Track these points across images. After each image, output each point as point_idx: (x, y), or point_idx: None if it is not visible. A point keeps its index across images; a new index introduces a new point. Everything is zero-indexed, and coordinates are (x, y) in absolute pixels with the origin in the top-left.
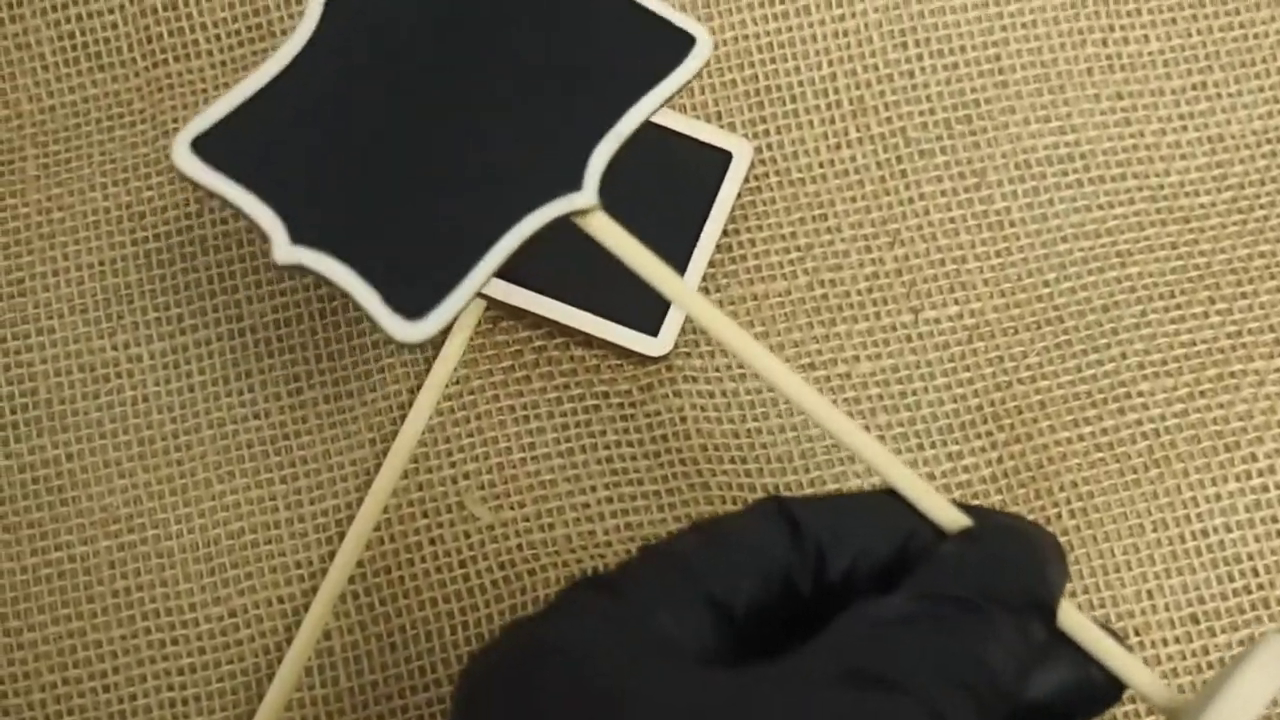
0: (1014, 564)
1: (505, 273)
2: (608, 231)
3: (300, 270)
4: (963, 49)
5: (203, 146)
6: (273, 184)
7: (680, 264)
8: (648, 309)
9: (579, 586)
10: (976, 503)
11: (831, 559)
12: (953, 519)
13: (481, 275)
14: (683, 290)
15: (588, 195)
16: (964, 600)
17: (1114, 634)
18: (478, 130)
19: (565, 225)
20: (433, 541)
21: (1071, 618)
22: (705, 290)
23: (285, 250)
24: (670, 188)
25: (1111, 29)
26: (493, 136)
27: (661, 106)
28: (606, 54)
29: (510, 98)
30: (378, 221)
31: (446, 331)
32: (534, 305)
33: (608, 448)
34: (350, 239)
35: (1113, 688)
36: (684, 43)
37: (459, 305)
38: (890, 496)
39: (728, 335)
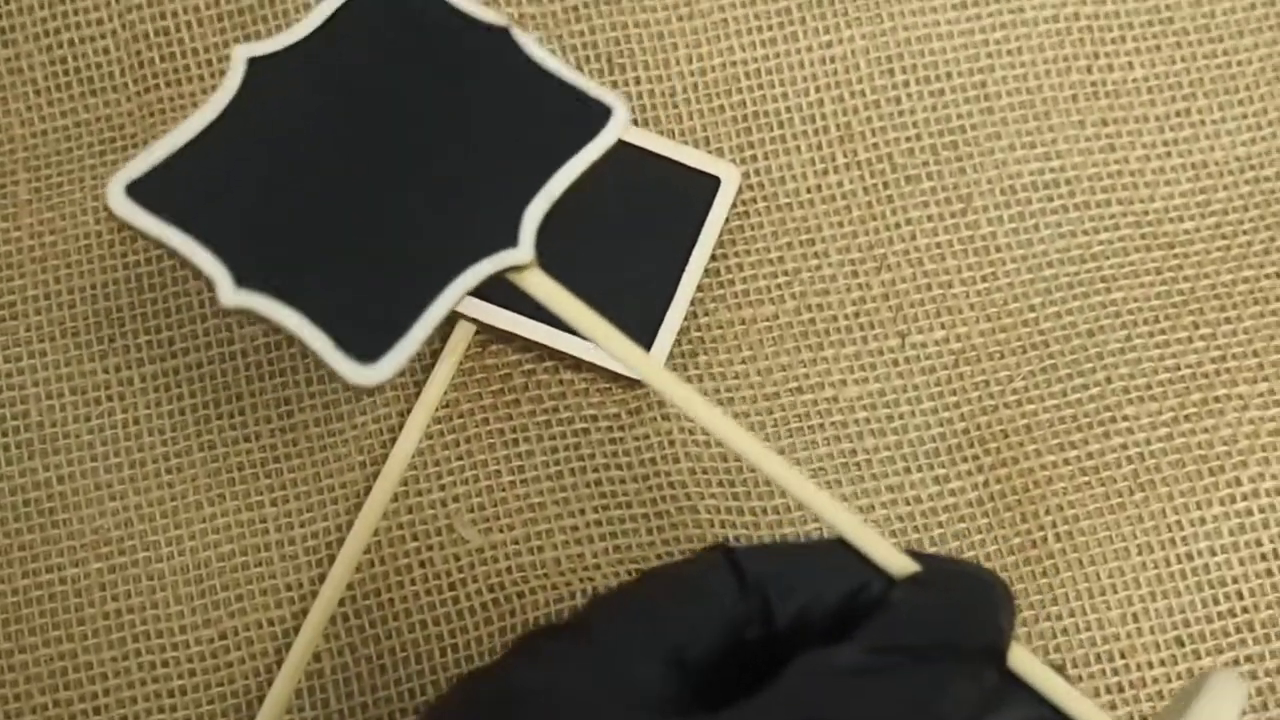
0: (967, 611)
1: (494, 297)
2: (545, 289)
3: (248, 314)
4: (949, 76)
5: (139, 191)
6: (213, 228)
7: (669, 288)
8: (637, 332)
9: (540, 634)
10: (929, 552)
11: (778, 608)
12: (903, 566)
13: (430, 322)
14: (622, 344)
15: (524, 252)
16: (918, 650)
17: (1064, 675)
18: (416, 187)
19: (550, 250)
20: (422, 564)
21: (1022, 660)
22: (694, 314)
23: (230, 294)
24: (659, 212)
25: (1096, 56)
26: (430, 193)
27: (587, 168)
28: (534, 120)
29: (444, 159)
30: (323, 268)
31: (436, 355)
32: (523, 329)
33: (596, 471)
34: (297, 283)
35: None
36: (604, 113)
37: (412, 349)
38: (839, 545)
39: (671, 389)
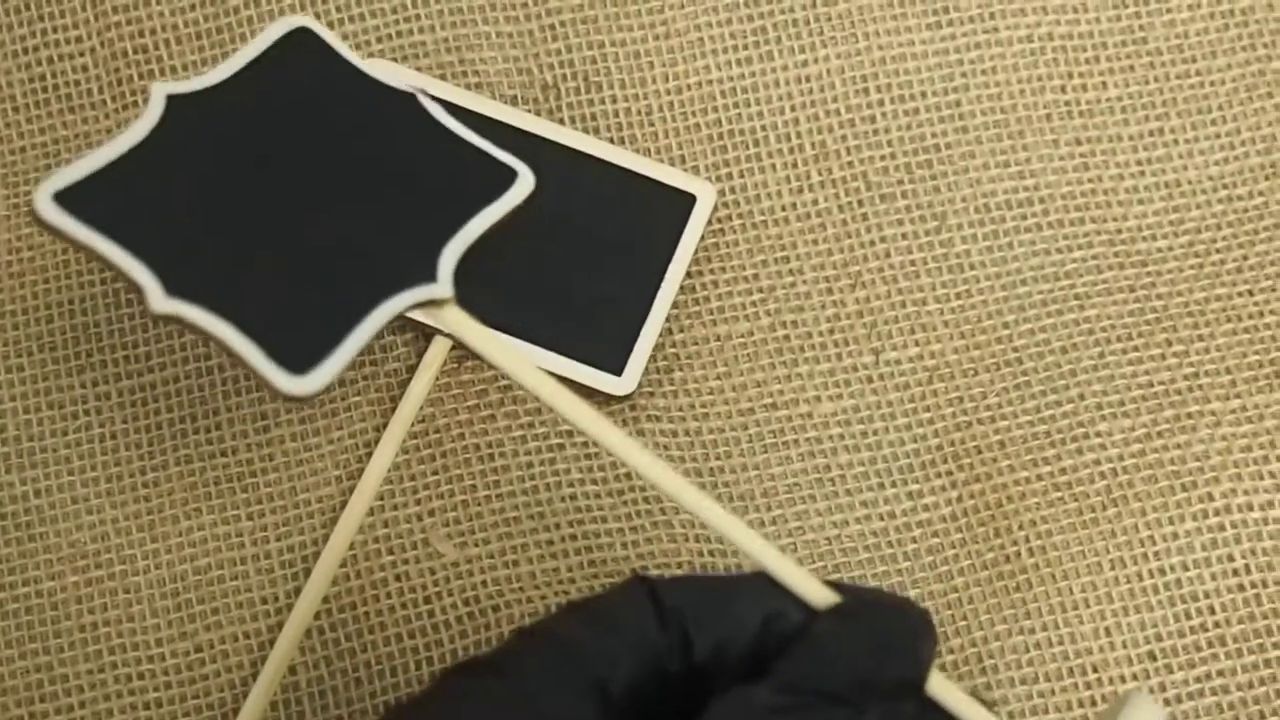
0: (883, 647)
1: (470, 312)
2: (462, 325)
3: (178, 322)
4: (923, 95)
5: (67, 199)
6: (143, 238)
7: (644, 306)
8: (612, 349)
9: (459, 671)
10: (851, 583)
11: (697, 639)
12: (823, 598)
13: (360, 340)
14: (534, 375)
15: (443, 287)
16: (833, 694)
17: (983, 701)
18: (341, 218)
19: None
20: (398, 578)
21: (941, 687)
22: (669, 330)
23: (160, 300)
24: (635, 230)
25: (1070, 76)
26: (355, 225)
27: (501, 219)
28: (446, 172)
29: (366, 197)
30: (253, 281)
31: (412, 370)
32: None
33: (572, 485)
34: (227, 294)
35: None
36: (510, 174)
37: (343, 362)
38: (759, 577)
39: (586, 421)
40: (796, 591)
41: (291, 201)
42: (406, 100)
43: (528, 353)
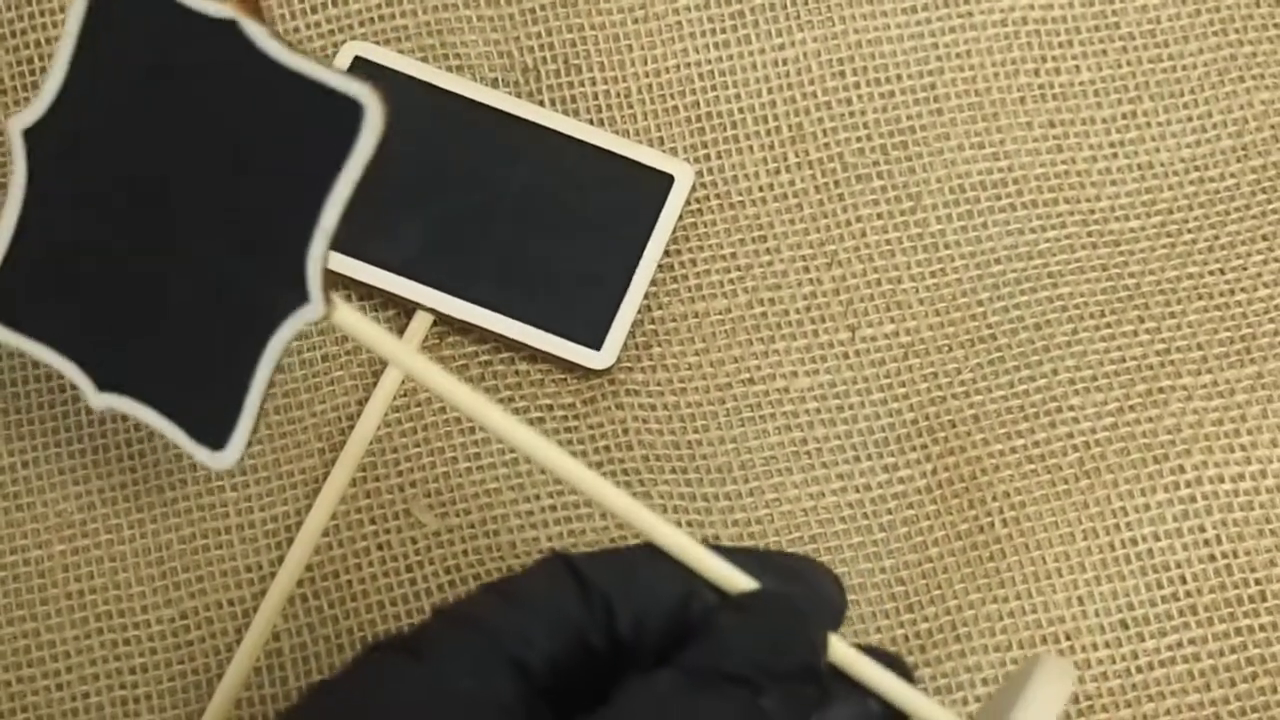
0: (782, 639)
1: (451, 288)
2: (357, 326)
3: (116, 414)
4: (899, 78)
5: None
6: (63, 331)
7: (623, 283)
8: (591, 323)
9: (379, 649)
10: (765, 548)
11: (619, 614)
12: (728, 577)
13: (258, 395)
14: (417, 363)
15: (316, 308)
16: (733, 675)
17: (898, 663)
18: (198, 245)
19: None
20: (380, 547)
21: (843, 653)
22: (647, 307)
23: (95, 398)
24: (614, 209)
25: (1044, 60)
26: (212, 254)
27: (353, 189)
28: (287, 135)
29: (216, 206)
30: (158, 360)
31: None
32: (479, 319)
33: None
34: (145, 381)
35: (893, 715)
36: (354, 112)
37: (250, 425)
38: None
39: (462, 398)
40: (705, 574)
41: (154, 236)
42: (225, 31)
43: (505, 328)
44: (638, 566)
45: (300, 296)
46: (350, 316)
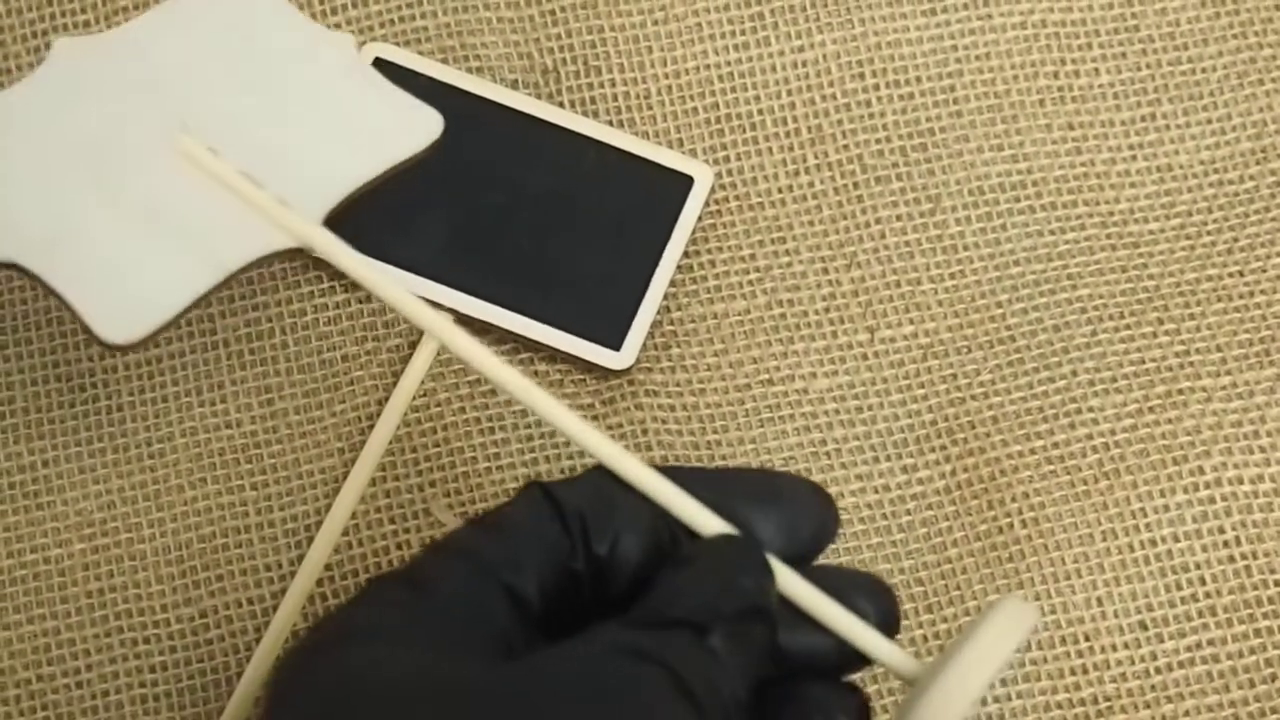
0: (729, 579)
1: (471, 288)
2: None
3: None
4: (918, 80)
5: None
6: None
7: (642, 283)
8: (610, 324)
9: (382, 580)
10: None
11: (596, 538)
12: (693, 514)
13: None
14: (399, 293)
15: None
16: (678, 620)
17: (880, 591)
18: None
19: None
20: (399, 546)
21: (798, 589)
22: (667, 308)
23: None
24: (634, 210)
25: (1063, 62)
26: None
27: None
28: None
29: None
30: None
31: (414, 346)
32: (499, 320)
33: (570, 458)
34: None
35: (861, 656)
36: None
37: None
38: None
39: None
40: (683, 518)
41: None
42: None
43: (524, 328)
44: (613, 491)
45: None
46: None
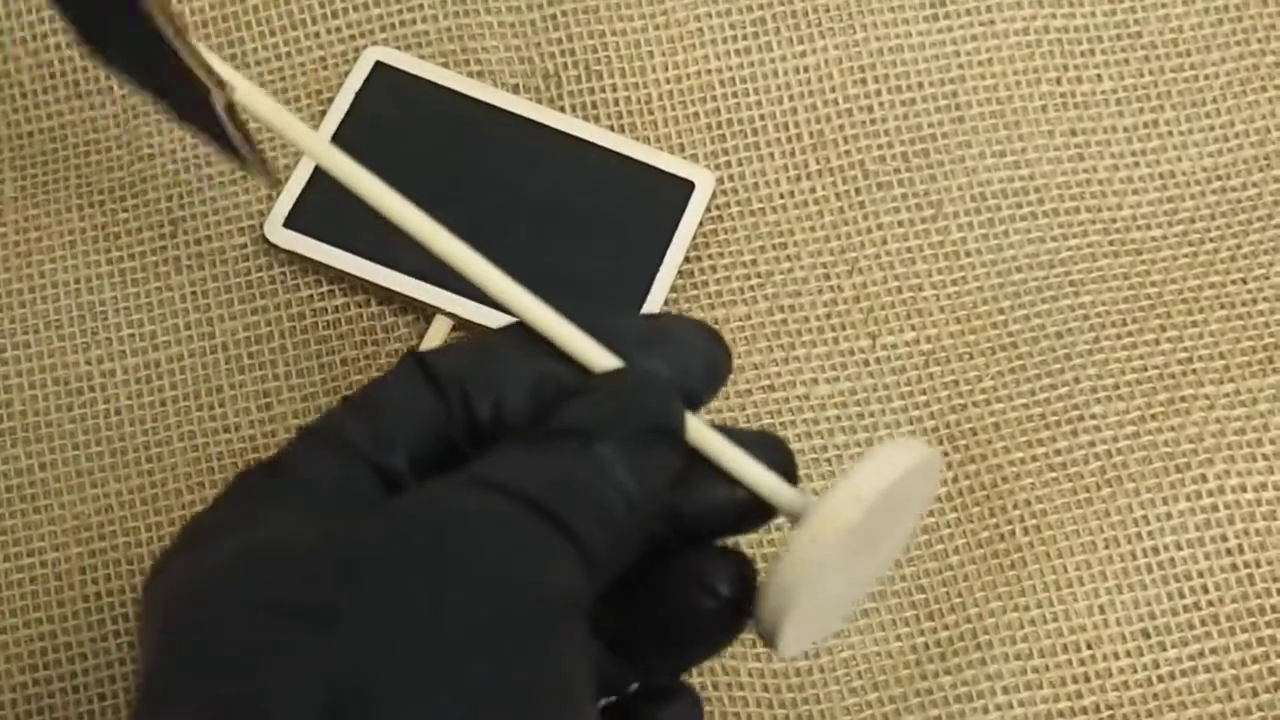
0: (627, 399)
1: (471, 292)
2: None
3: None
4: (920, 85)
5: None
6: None
7: (643, 288)
8: None
9: (242, 473)
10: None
11: (476, 403)
12: (595, 356)
13: None
14: (308, 136)
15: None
16: (566, 430)
17: (775, 446)
18: None
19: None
20: None
21: (700, 434)
22: (668, 313)
23: None
24: (635, 215)
25: (1065, 68)
26: None
27: None
28: None
29: None
30: None
31: (412, 349)
32: (500, 324)
33: None
34: None
35: (760, 504)
36: None
37: None
38: (523, 330)
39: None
40: (570, 352)
41: None
42: None
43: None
44: (493, 350)
45: None
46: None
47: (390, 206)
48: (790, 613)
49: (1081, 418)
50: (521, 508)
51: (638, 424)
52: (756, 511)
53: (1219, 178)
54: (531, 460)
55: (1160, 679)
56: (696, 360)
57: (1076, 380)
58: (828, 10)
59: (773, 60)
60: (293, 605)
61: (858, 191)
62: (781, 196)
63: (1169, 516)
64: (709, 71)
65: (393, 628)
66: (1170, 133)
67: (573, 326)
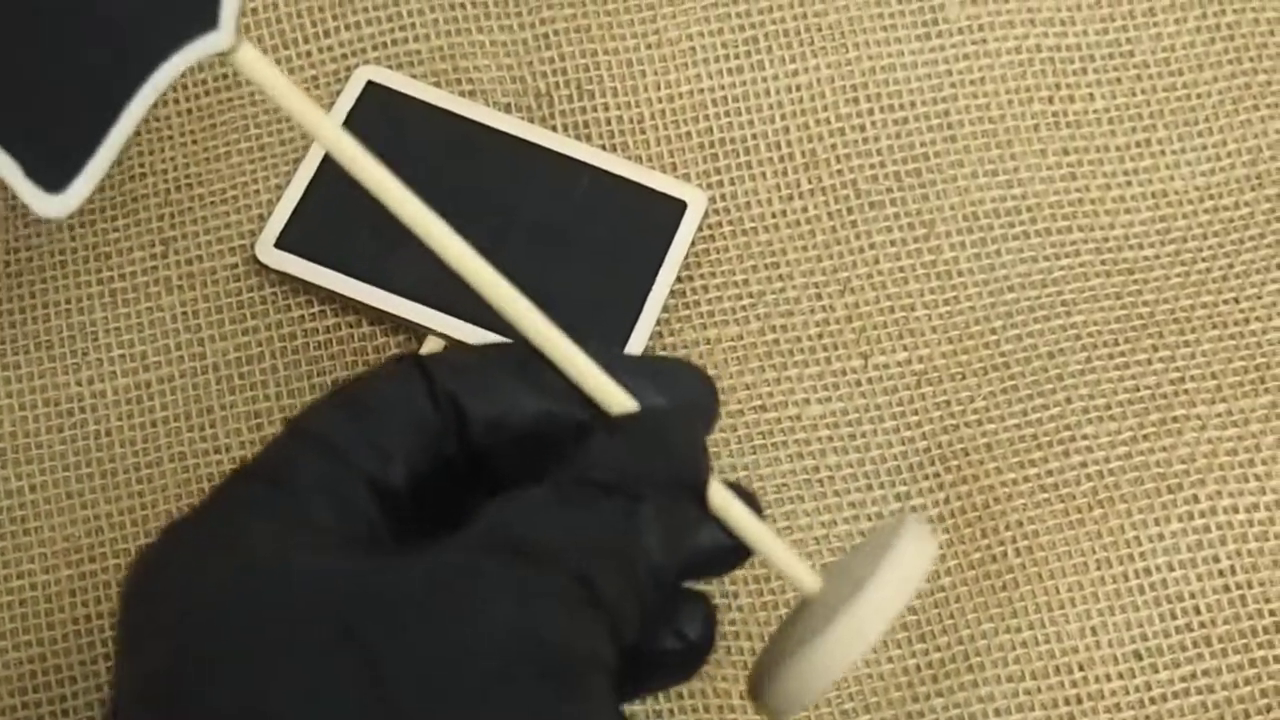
0: (662, 449)
1: (465, 313)
2: (254, 68)
3: None
4: (912, 104)
5: None
6: None
7: (635, 308)
8: (609, 338)
9: (234, 478)
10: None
11: (472, 416)
12: (602, 387)
13: (115, 143)
14: (322, 122)
15: (226, 35)
16: (607, 484)
17: (749, 498)
18: None
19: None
20: None
21: (721, 497)
22: (659, 334)
23: None
24: (627, 235)
25: (1058, 87)
26: None
27: None
28: None
29: None
30: (8, 87)
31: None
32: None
33: None
34: None
35: (737, 551)
36: None
37: (96, 177)
38: (531, 353)
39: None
40: (576, 380)
41: None
42: None
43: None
44: (494, 369)
45: (210, 22)
46: (253, 56)
47: (393, 198)
48: (804, 704)
49: (1073, 438)
50: (562, 579)
51: (667, 477)
52: (736, 560)
53: (1211, 197)
54: (570, 520)
55: (1152, 700)
56: (701, 399)
57: (1069, 400)
58: (820, 29)
59: (765, 79)
60: (334, 642)
61: (850, 211)
62: (774, 216)
63: (1161, 537)
64: (701, 91)
65: (429, 685)
66: (1162, 152)
67: (576, 348)
